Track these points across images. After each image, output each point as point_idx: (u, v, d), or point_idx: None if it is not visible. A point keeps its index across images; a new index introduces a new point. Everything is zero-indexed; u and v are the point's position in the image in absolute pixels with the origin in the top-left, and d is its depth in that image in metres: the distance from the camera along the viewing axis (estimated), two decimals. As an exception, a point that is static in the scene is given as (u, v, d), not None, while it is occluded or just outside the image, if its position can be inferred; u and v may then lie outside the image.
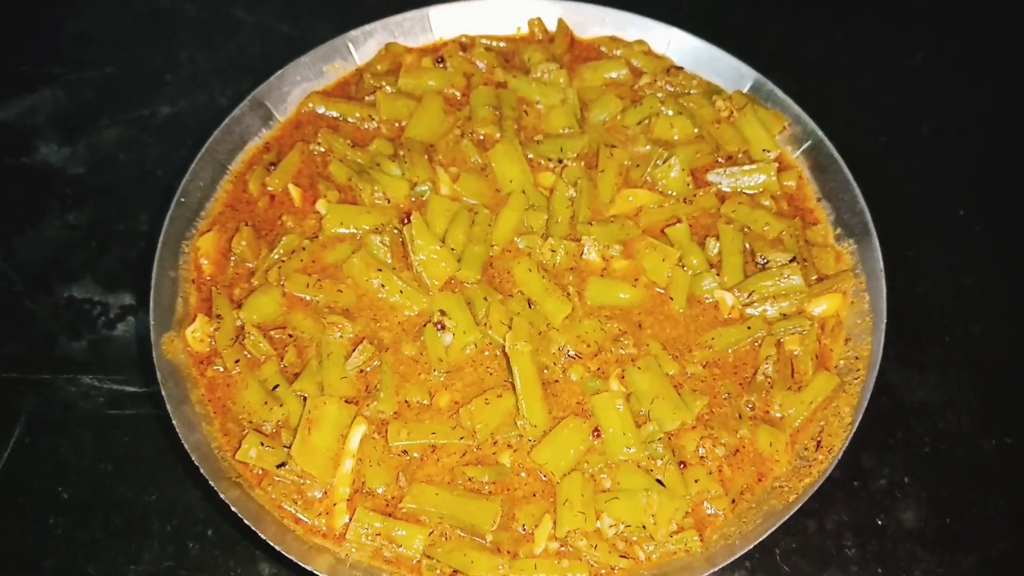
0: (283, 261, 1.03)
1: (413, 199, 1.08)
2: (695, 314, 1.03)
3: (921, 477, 1.06)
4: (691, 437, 0.94)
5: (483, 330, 0.98)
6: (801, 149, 1.15)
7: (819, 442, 0.95)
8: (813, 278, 1.05)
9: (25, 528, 1.00)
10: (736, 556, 0.86)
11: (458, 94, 1.19)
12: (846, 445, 0.92)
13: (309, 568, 0.84)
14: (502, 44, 1.25)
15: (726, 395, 0.98)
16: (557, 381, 0.97)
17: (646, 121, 1.16)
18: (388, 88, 1.18)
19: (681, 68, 1.21)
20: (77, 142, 1.31)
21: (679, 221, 1.07)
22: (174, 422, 0.90)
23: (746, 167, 1.12)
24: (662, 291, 1.04)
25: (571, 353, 0.99)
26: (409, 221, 1.03)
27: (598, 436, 0.93)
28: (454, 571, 0.88)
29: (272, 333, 0.99)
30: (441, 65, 1.20)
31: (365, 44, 1.22)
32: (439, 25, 1.24)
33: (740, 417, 0.96)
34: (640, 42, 1.24)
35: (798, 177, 1.14)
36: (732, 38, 1.22)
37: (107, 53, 1.41)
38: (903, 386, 1.12)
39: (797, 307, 1.03)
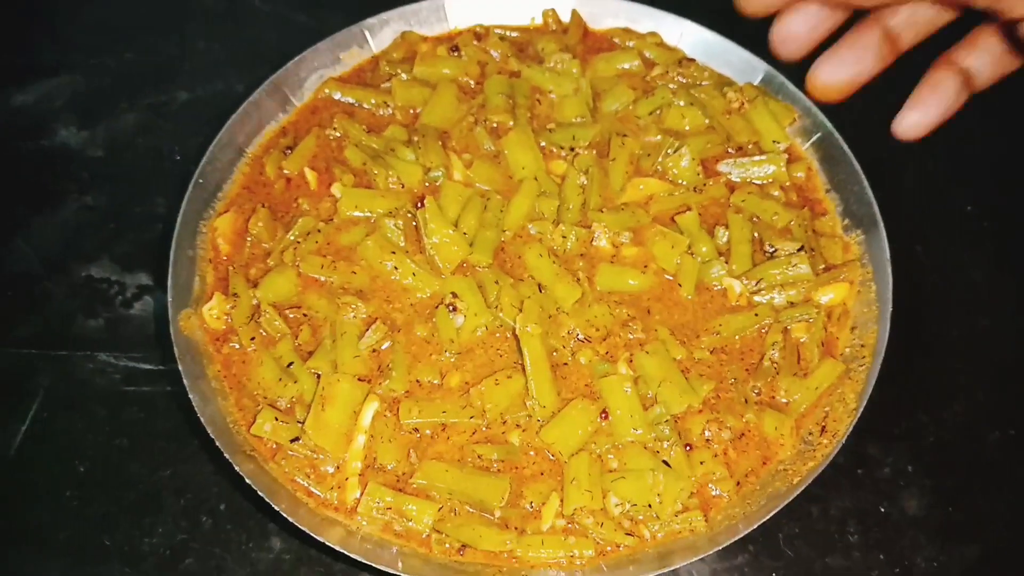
0: (298, 242, 1.04)
1: (427, 184, 1.10)
2: (703, 301, 1.04)
3: (925, 466, 1.07)
4: (697, 420, 0.96)
5: (494, 312, 1.00)
6: (811, 141, 1.17)
7: (823, 427, 0.96)
8: (820, 267, 1.06)
9: (41, 501, 1.02)
10: (739, 536, 0.87)
11: (472, 82, 1.20)
12: (850, 430, 0.93)
13: (321, 539, 0.86)
14: (516, 34, 1.26)
15: (732, 380, 0.99)
16: (566, 364, 0.99)
17: (658, 111, 1.17)
18: (403, 75, 1.19)
19: (693, 60, 1.23)
20: (95, 126, 1.32)
21: (689, 209, 1.09)
22: (190, 396, 0.91)
23: (756, 158, 1.14)
24: (671, 278, 1.05)
25: (580, 337, 1.00)
26: (423, 205, 1.04)
27: (606, 418, 0.94)
28: (463, 545, 0.89)
29: (287, 312, 1.01)
30: (456, 54, 1.22)
31: (381, 32, 1.23)
32: (454, 14, 1.26)
33: (746, 402, 0.97)
34: (653, 34, 1.25)
35: (807, 168, 1.15)
36: (744, 31, 1.23)
37: (125, 41, 1.43)
38: (909, 377, 1.13)
39: (804, 295, 1.04)
